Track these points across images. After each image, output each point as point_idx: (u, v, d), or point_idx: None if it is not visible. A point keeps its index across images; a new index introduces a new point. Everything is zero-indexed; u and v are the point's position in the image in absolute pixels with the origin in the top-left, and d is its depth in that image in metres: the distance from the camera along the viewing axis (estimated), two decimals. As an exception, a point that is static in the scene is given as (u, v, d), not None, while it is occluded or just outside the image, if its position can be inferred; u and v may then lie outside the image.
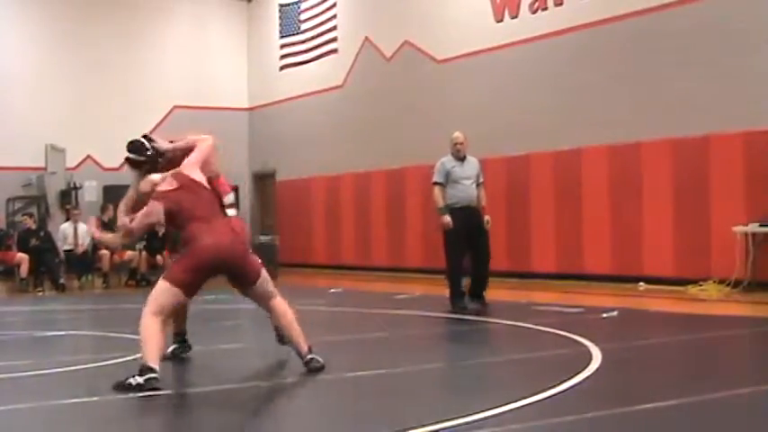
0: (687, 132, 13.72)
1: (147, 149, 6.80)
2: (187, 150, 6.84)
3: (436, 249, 18.02)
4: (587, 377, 6.12)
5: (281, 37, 23.13)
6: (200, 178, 6.64)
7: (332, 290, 15.04)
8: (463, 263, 11.28)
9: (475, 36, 17.44)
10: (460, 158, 11.50)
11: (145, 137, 7.00)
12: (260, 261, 6.56)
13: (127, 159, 6.91)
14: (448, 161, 11.49)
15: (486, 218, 11.43)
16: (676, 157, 13.87)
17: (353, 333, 9.49)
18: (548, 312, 10.61)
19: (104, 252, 17.21)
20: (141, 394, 5.77)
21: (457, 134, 11.68)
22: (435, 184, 11.41)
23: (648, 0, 14.38)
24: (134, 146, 6.87)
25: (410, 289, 14.64)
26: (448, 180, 11.35)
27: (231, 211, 7.09)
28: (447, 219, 11.16)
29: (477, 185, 11.52)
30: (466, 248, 11.21)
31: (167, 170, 6.72)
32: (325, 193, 21.50)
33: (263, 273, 6.46)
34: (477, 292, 11.29)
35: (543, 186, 15.85)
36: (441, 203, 11.32)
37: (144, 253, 17.55)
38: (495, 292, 13.73)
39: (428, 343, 7.59)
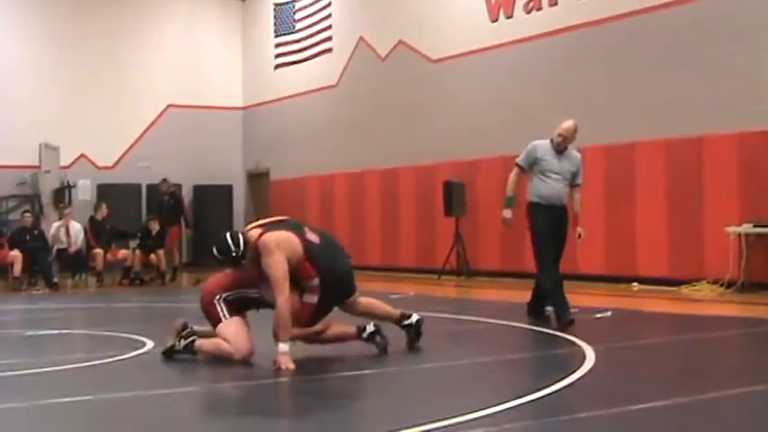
0: (681, 133, 13.74)
1: (233, 252, 6.91)
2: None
3: (430, 249, 18.12)
4: (581, 377, 6.13)
5: (276, 36, 23.12)
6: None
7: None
8: (555, 267, 9.33)
9: (469, 36, 17.45)
10: (557, 150, 9.44)
11: (234, 237, 6.99)
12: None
13: (212, 254, 7.05)
14: (542, 146, 9.47)
15: (579, 230, 9.50)
16: (670, 157, 13.89)
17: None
18: (541, 312, 10.59)
19: (98, 251, 17.20)
20: (127, 394, 5.77)
21: (567, 124, 9.48)
22: (516, 165, 9.56)
23: (642, 0, 14.40)
24: (221, 246, 6.96)
25: (404, 288, 14.63)
26: (533, 168, 9.40)
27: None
28: (506, 214, 9.50)
29: (574, 186, 9.51)
30: (553, 251, 9.32)
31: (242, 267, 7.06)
32: (319, 192, 21.49)
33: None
34: (563, 309, 9.14)
35: (537, 186, 15.85)
36: (509, 191, 9.56)
37: (138, 252, 17.53)
38: (490, 292, 13.76)
39: (422, 342, 7.58)
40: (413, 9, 19.01)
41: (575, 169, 9.48)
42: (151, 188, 21.79)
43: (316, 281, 7.02)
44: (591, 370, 6.41)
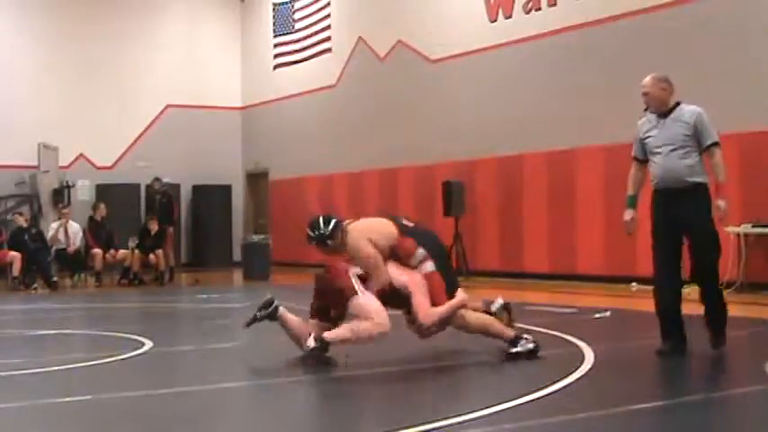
0: (680, 133, 13.72)
1: (321, 230, 7.08)
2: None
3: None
4: (580, 377, 6.13)
5: (275, 36, 23.12)
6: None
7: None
8: (673, 275, 7.20)
9: (468, 36, 17.45)
10: (661, 115, 7.35)
11: (326, 218, 7.18)
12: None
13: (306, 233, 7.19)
14: (646, 121, 7.57)
15: (719, 203, 7.10)
16: (669, 157, 13.88)
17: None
18: (540, 313, 10.60)
19: (97, 251, 17.19)
20: (126, 394, 5.76)
21: (645, 80, 7.47)
22: (633, 159, 7.73)
23: (642, 0, 14.41)
24: (313, 223, 7.16)
25: (403, 289, 14.61)
26: (645, 150, 7.52)
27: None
28: (625, 215, 7.50)
29: (705, 150, 7.20)
30: (670, 253, 7.16)
31: (334, 253, 7.13)
32: (318, 192, 21.47)
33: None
34: (712, 328, 7.30)
35: (537, 186, 15.87)
36: (629, 190, 7.64)
37: (137, 252, 17.51)
38: (488, 292, 13.74)
39: (420, 343, 7.57)
40: (412, 9, 19.01)
41: (688, 130, 7.19)
42: (150, 188, 21.81)
43: (420, 252, 7.04)
44: (590, 370, 6.42)
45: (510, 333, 7.03)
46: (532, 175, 15.98)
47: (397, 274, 6.91)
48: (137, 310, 13.36)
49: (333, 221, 7.08)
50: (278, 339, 7.35)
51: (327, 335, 6.63)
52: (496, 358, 7.03)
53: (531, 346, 6.90)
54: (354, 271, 6.85)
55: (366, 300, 6.72)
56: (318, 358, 6.58)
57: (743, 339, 8.78)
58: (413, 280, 6.88)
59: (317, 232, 7.03)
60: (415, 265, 6.97)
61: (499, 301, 7.51)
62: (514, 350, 6.87)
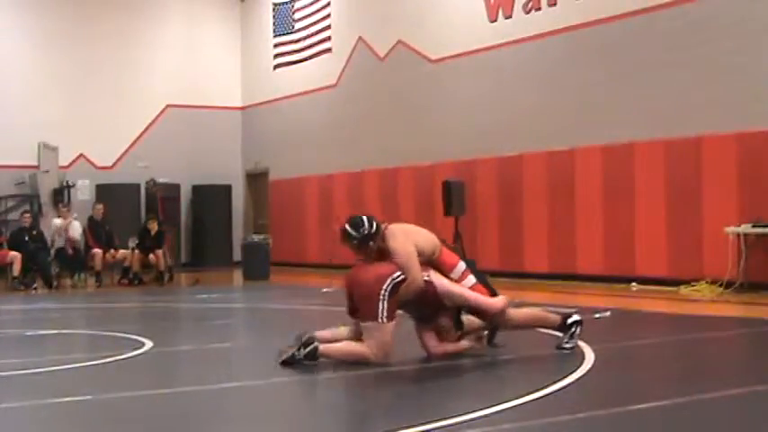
0: (680, 133, 13.74)
1: (365, 229, 6.85)
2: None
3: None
4: (580, 377, 6.13)
5: (275, 36, 23.12)
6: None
7: (324, 289, 15.01)
8: None
9: (468, 36, 17.45)
10: None
11: (369, 218, 6.95)
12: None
13: (342, 230, 6.94)
14: None
15: None
16: (669, 157, 13.90)
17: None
18: (540, 312, 10.59)
19: (97, 251, 17.20)
20: (126, 394, 5.77)
21: None
22: None
23: (642, 0, 14.41)
24: (354, 221, 6.91)
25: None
26: None
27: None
28: None
29: None
30: None
31: (366, 255, 6.89)
32: (318, 192, 21.49)
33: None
34: None
35: (536, 186, 15.87)
36: None
37: (137, 252, 17.52)
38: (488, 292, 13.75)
39: (419, 342, 7.57)
40: (412, 9, 19.01)
41: None
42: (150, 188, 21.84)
43: (461, 265, 7.11)
44: (590, 370, 6.42)
45: (557, 318, 7.38)
46: (532, 175, 15.98)
47: (449, 283, 6.94)
48: (137, 310, 13.37)
49: (375, 222, 6.90)
50: (278, 339, 7.35)
51: (322, 348, 6.65)
52: (497, 358, 7.04)
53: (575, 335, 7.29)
54: (394, 276, 6.66)
55: (377, 329, 6.68)
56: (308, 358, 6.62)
57: (741, 339, 8.79)
58: (462, 288, 7.00)
59: (361, 232, 6.82)
60: (456, 279, 7.02)
61: (575, 317, 7.44)
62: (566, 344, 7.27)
